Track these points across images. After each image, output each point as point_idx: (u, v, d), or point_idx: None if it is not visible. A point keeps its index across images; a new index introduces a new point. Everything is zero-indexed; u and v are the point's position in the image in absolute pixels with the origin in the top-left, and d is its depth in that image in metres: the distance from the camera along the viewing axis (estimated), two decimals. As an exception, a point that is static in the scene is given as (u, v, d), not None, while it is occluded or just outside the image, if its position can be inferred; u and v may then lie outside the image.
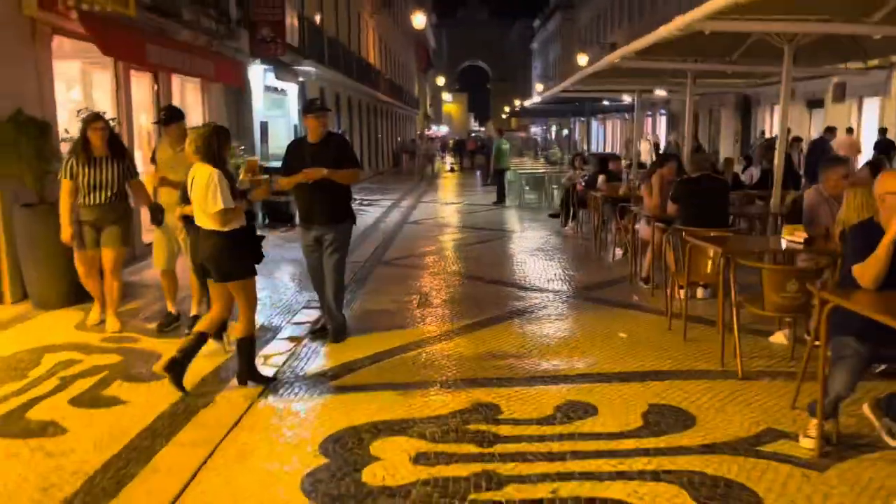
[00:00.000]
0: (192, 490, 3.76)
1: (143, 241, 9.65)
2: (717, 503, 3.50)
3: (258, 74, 16.70)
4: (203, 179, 4.94)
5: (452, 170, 37.38)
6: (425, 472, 3.83)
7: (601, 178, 11.75)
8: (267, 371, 5.48)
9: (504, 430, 4.37)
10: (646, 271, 8.26)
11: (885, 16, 6.67)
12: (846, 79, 18.70)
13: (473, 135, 59.55)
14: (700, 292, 7.51)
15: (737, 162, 15.07)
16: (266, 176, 5.69)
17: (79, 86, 10.32)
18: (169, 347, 6.03)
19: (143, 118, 11.18)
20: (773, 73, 11.28)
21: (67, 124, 8.24)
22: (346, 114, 27.86)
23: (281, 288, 8.38)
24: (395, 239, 12.84)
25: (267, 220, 13.55)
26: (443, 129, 76.31)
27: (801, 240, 5.58)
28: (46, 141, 7.51)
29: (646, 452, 4.03)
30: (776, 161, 8.20)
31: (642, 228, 8.60)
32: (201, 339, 5.23)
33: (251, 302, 5.25)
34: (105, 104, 9.86)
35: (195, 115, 13.16)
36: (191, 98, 13.26)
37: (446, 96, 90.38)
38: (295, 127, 19.84)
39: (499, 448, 4.13)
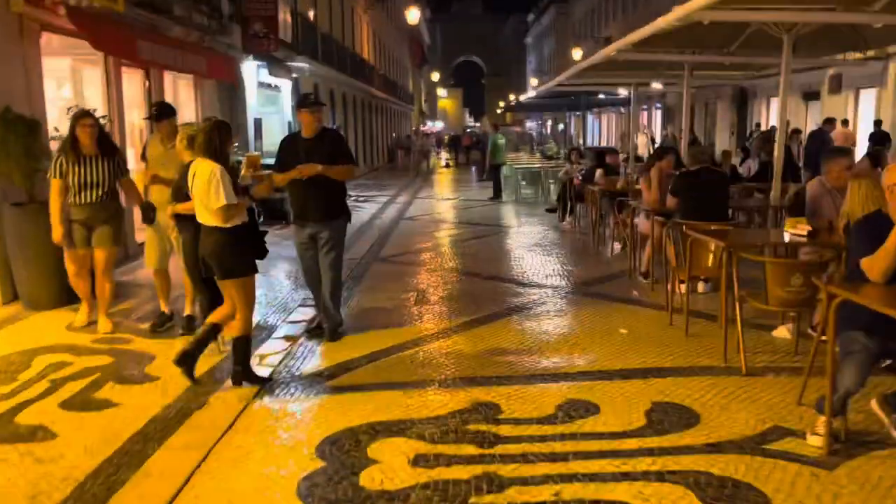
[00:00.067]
0: (185, 495, 3.66)
1: (137, 241, 9.53)
2: (725, 504, 3.42)
3: (251, 71, 16.57)
4: (205, 175, 4.84)
5: (448, 165, 37.28)
6: (424, 475, 3.73)
7: (599, 171, 11.66)
8: (262, 371, 5.37)
9: (504, 430, 4.28)
10: (645, 266, 8.17)
11: (887, 4, 6.57)
12: (842, 70, 18.66)
13: (469, 130, 59.40)
14: (701, 286, 7.42)
15: (734, 154, 14.98)
16: (269, 171, 5.58)
17: (69, 83, 10.19)
18: (162, 348, 5.99)
19: (136, 115, 11.05)
20: (771, 65, 11.19)
21: (58, 122, 8.12)
22: (340, 110, 27.73)
23: (276, 286, 8.28)
24: (391, 235, 12.74)
25: (262, 218, 13.42)
26: (438, 125, 76.17)
27: (805, 232, 5.49)
28: (35, 139, 7.38)
29: (650, 452, 3.93)
30: (776, 153, 8.11)
31: (641, 222, 8.51)
32: (214, 330, 5.20)
33: (249, 300, 5.15)
34: (96, 101, 9.73)
35: (188, 112, 13.03)
36: (183, 95, 13.12)
37: (441, 92, 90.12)
38: (289, 123, 19.71)
39: (499, 449, 4.03)
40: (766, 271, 4.95)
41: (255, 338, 5.62)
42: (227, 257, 4.96)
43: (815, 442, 3.91)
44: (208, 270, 5.13)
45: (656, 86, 17.59)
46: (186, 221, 5.68)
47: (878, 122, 16.28)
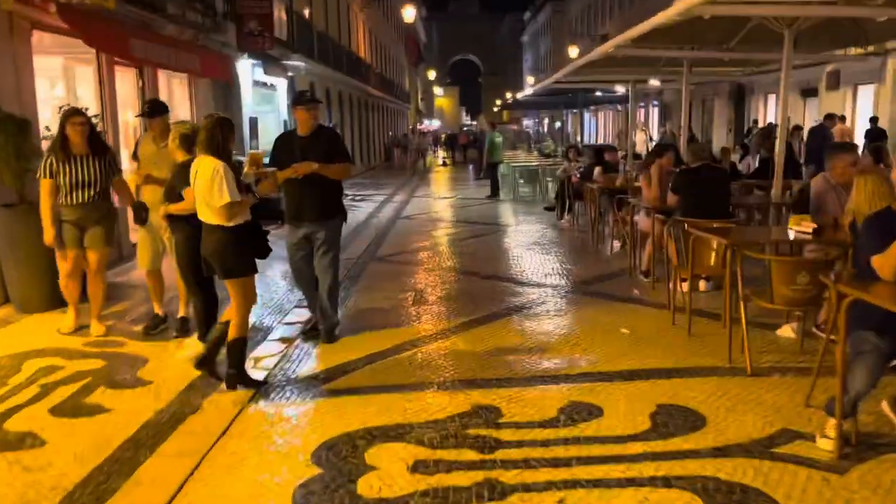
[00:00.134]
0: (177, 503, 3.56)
1: (131, 241, 9.41)
2: (734, 510, 3.32)
3: (246, 69, 16.42)
4: (208, 172, 4.75)
5: (445, 164, 37.15)
6: (424, 482, 3.62)
7: (598, 169, 11.55)
8: (257, 374, 5.26)
9: (505, 434, 4.16)
10: (646, 264, 8.07)
11: (890, -3, 6.47)
12: (840, 66, 18.59)
13: (465, 129, 59.29)
14: (702, 285, 7.32)
15: (733, 151, 14.89)
16: (273, 169, 5.48)
17: (62, 82, 10.06)
18: (156, 351, 5.88)
19: (129, 115, 10.91)
20: (770, 61, 11.10)
21: (50, 122, 7.98)
22: (336, 108, 27.59)
23: (272, 287, 8.16)
24: (388, 235, 12.62)
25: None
26: (435, 124, 76.06)
27: (810, 230, 5.39)
28: (26, 138, 7.24)
29: (655, 456, 3.82)
30: (777, 149, 8.01)
31: (641, 220, 8.41)
32: (228, 327, 5.09)
33: (248, 301, 5.06)
34: (89, 100, 9.62)
35: (182, 111, 12.91)
36: (178, 93, 13.00)
37: (438, 90, 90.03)
38: (285, 122, 19.56)
39: (500, 454, 3.92)
40: (772, 270, 4.84)
41: (250, 340, 5.51)
42: (229, 256, 4.87)
43: (825, 445, 3.81)
44: (210, 270, 5.05)
45: (654, 83, 17.50)
46: (179, 222, 5.58)
47: (873, 119, 16.22)
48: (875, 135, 14.85)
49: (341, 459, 3.91)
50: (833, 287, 3.90)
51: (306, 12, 22.66)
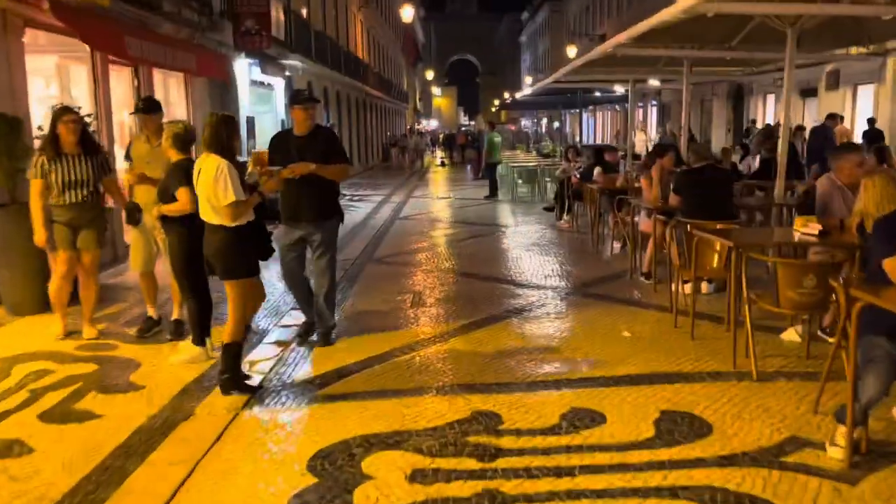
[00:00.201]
0: (168, 514, 3.45)
1: (125, 242, 9.29)
2: (743, 522, 3.22)
3: (243, 68, 16.32)
4: (211, 171, 4.66)
5: (443, 164, 37.03)
6: (422, 493, 3.51)
7: (597, 169, 11.44)
8: (252, 379, 5.14)
9: (506, 442, 4.05)
10: (647, 266, 7.97)
11: (895, -4, 6.38)
12: (840, 66, 18.51)
13: (463, 129, 59.19)
14: (704, 287, 7.21)
15: (733, 152, 14.80)
16: (278, 168, 5.37)
17: (55, 81, 9.94)
18: (149, 355, 5.77)
19: (125, 114, 10.79)
20: (771, 60, 11.02)
21: (44, 121, 7.85)
22: (334, 108, 27.47)
23: (268, 288, 7.93)
24: (385, 235, 12.52)
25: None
26: (433, 123, 75.97)
27: (816, 232, 5.29)
28: (18, 138, 7.14)
29: (661, 465, 3.72)
30: (780, 150, 7.91)
31: (642, 221, 8.31)
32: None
33: (245, 305, 4.96)
34: (83, 100, 9.51)
35: (179, 111, 12.80)
36: (174, 93, 12.89)
37: (436, 90, 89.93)
38: (282, 122, 19.44)
39: (501, 462, 3.81)
40: (778, 273, 4.73)
41: (245, 343, 5.39)
42: (231, 256, 4.80)
43: (835, 454, 3.70)
44: (212, 270, 4.96)
45: (654, 82, 17.44)
46: (173, 223, 5.47)
47: (871, 121, 16.13)
48: (873, 135, 14.77)
49: (337, 468, 3.80)
50: (843, 291, 3.80)
51: (304, 11, 22.55)
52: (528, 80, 64.59)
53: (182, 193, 5.28)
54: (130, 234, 6.34)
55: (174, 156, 5.44)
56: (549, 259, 9.73)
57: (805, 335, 5.50)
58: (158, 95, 11.22)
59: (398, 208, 16.88)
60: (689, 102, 11.43)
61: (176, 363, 5.54)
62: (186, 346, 5.71)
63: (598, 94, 26.41)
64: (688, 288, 6.57)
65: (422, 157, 38.38)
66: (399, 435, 4.18)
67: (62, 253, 6.08)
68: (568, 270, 8.95)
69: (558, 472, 3.68)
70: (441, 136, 53.82)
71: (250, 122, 16.91)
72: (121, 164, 8.03)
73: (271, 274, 8.59)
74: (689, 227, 6.25)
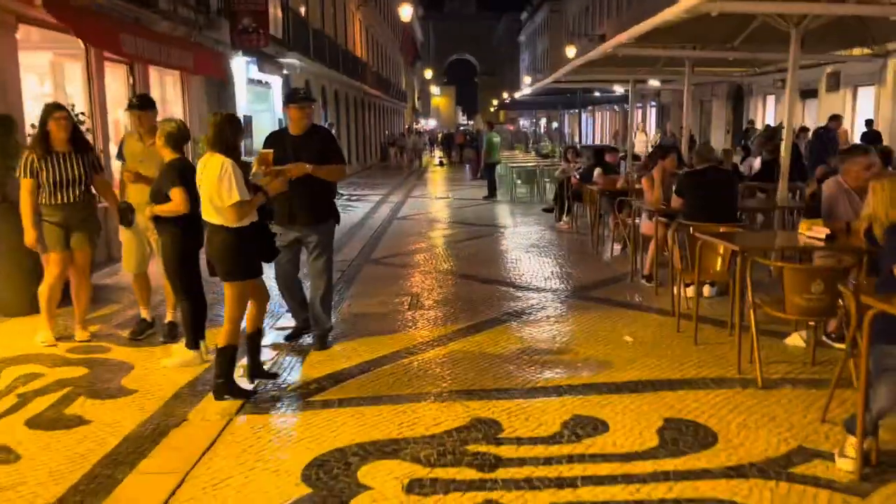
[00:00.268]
0: (157, 527, 3.33)
1: (120, 241, 9.15)
2: (751, 537, 3.10)
3: (241, 67, 16.19)
4: (215, 170, 4.55)
5: (441, 164, 36.92)
6: (420, 504, 3.40)
7: (598, 170, 11.33)
8: (247, 384, 5.02)
9: (506, 451, 3.94)
10: (648, 268, 7.86)
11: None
12: (840, 68, 18.42)
13: (462, 128, 59.07)
14: (707, 290, 7.10)
15: (734, 153, 14.70)
16: (283, 167, 5.27)
17: (49, 78, 9.81)
18: (141, 358, 5.66)
19: (120, 113, 10.67)
20: (774, 61, 10.92)
21: (37, 119, 7.73)
22: (332, 107, 27.35)
23: (264, 290, 7.92)
24: (383, 236, 12.40)
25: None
26: (431, 123, 75.87)
27: (822, 236, 5.18)
28: (10, 136, 7.03)
29: (665, 476, 3.60)
30: (783, 152, 7.81)
31: (644, 223, 8.21)
32: (257, 337, 5.13)
33: (242, 307, 4.87)
34: (78, 97, 9.39)
35: (176, 109, 12.68)
36: (170, 91, 12.76)
37: (434, 90, 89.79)
38: (279, 121, 19.32)
39: (501, 473, 3.69)
40: (785, 278, 4.62)
41: (240, 346, 5.27)
42: (232, 258, 4.70)
43: (845, 465, 3.59)
44: (213, 272, 4.87)
45: (654, 83, 17.33)
46: (166, 224, 5.36)
47: (868, 122, 16.03)
48: (870, 137, 14.66)
49: (332, 478, 3.69)
50: (854, 299, 3.69)
51: (302, 10, 22.42)
52: (526, 79, 64.45)
53: (175, 194, 5.17)
54: (122, 236, 6.20)
55: (168, 155, 5.32)
56: (548, 261, 9.62)
57: (810, 340, 5.39)
58: (155, 93, 11.11)
59: (396, 208, 16.76)
60: (690, 103, 11.34)
61: (169, 367, 5.43)
62: (180, 350, 5.60)
63: (597, 94, 26.28)
64: (690, 291, 6.47)
65: (420, 156, 38.27)
66: (396, 443, 4.07)
67: (55, 254, 5.95)
68: (568, 273, 8.84)
69: (560, 483, 3.57)
70: (439, 135, 53.70)
71: (247, 120, 16.76)
72: (116, 163, 7.94)
73: (266, 275, 8.48)
74: (691, 229, 6.14)
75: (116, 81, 10.54)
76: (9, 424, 4.43)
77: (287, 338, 6.10)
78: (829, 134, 12.64)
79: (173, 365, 5.44)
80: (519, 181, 18.80)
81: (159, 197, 5.29)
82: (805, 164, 11.13)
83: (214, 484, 3.68)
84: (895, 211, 4.10)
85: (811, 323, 5.26)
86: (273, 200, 5.18)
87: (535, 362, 5.45)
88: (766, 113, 23.86)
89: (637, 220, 8.43)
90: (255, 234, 4.80)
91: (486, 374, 5.22)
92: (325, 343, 5.91)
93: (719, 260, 6.12)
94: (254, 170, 5.17)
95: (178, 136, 5.31)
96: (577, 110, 33.17)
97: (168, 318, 6.20)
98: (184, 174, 5.22)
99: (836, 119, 13.53)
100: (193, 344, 5.52)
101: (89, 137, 8.89)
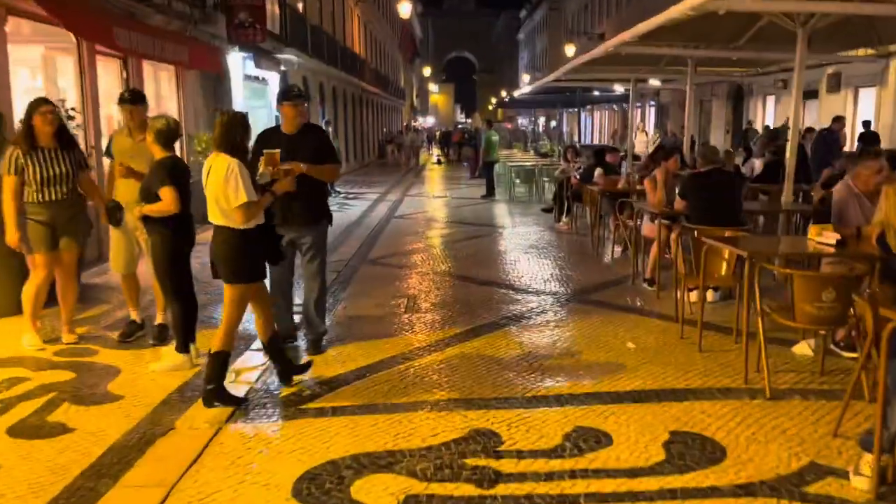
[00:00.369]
0: (139, 545, 3.17)
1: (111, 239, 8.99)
2: (764, 562, 2.95)
3: (237, 62, 15.98)
4: (221, 171, 4.42)
5: (439, 162, 36.73)
6: (416, 523, 3.24)
7: (598, 171, 11.17)
8: (237, 390, 4.86)
9: (506, 465, 3.78)
10: (650, 272, 7.71)
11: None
12: (841, 69, 18.27)
13: (460, 126, 58.87)
14: (710, 295, 6.94)
15: (736, 154, 14.55)
16: (289, 167, 5.10)
17: (41, 72, 9.62)
18: (130, 361, 5.49)
19: (112, 108, 10.48)
20: (779, 61, 10.78)
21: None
22: (330, 104, 27.14)
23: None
24: (380, 235, 12.23)
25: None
26: (429, 120, 75.66)
27: (833, 241, 5.03)
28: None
29: (672, 494, 3.45)
30: (788, 153, 7.66)
31: (646, 225, 8.05)
32: (276, 340, 4.99)
33: (241, 311, 4.72)
34: (69, 92, 9.20)
35: (171, 104, 12.49)
36: (165, 86, 12.56)
37: (433, 87, 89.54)
38: (276, 118, 19.13)
39: (501, 489, 3.53)
40: (795, 285, 4.46)
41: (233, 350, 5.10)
42: (236, 259, 4.55)
43: (860, 484, 3.44)
44: (216, 273, 4.71)
45: (654, 82, 17.18)
46: (156, 224, 5.20)
47: (866, 123, 15.88)
48: (869, 139, 14.52)
49: (325, 493, 3.53)
50: (871, 310, 3.53)
51: (300, 5, 22.23)
52: (525, 78, 64.22)
53: (165, 193, 5.00)
54: (111, 235, 6.02)
55: (158, 152, 5.15)
56: (548, 262, 9.46)
57: (819, 349, 5.24)
58: (149, 88, 10.94)
59: (394, 207, 16.58)
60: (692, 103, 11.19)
61: (157, 371, 5.27)
62: (169, 353, 5.43)
63: (596, 93, 26.10)
64: (693, 296, 6.32)
65: (418, 154, 38.05)
66: (391, 455, 3.91)
67: (40, 255, 5.74)
68: (568, 275, 8.68)
69: (562, 501, 3.42)
70: (438, 133, 53.49)
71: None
72: (106, 160, 7.76)
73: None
74: (696, 233, 5.99)
75: (109, 76, 10.36)
76: (-11, 432, 4.27)
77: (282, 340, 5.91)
78: (832, 135, 12.49)
79: (162, 369, 5.28)
80: (517, 180, 18.63)
81: (149, 196, 5.13)
82: (809, 166, 10.98)
83: (201, 499, 3.52)
84: (909, 217, 3.96)
85: (821, 332, 5.10)
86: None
87: (536, 369, 5.29)
88: (766, 113, 23.71)
89: (638, 222, 8.28)
90: (259, 236, 4.66)
91: (484, 381, 5.06)
92: (320, 347, 5.75)
93: (724, 265, 5.96)
94: (261, 170, 5.00)
95: (168, 134, 5.13)
96: (576, 109, 33.01)
97: (158, 320, 6.03)
98: (174, 173, 5.06)
99: (838, 120, 13.38)
100: (183, 347, 5.36)
101: (80, 133, 8.75)
